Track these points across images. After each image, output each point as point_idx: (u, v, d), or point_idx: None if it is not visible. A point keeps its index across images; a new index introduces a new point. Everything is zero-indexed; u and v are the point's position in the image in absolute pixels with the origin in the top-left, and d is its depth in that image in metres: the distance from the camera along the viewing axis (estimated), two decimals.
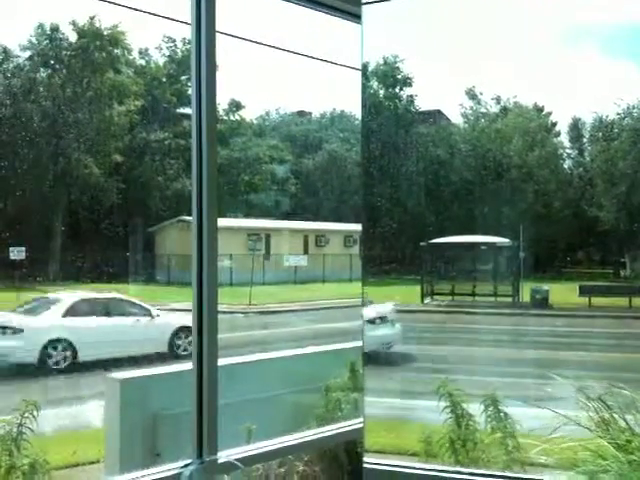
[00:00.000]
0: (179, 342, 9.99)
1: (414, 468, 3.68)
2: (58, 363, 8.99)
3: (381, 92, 16.37)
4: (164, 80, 15.42)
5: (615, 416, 3.81)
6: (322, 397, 4.86)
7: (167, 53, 15.66)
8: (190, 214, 3.37)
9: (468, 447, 4.62)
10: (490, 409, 4.66)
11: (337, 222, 17.46)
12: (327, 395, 4.87)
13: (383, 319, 11.10)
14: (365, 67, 5.00)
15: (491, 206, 15.18)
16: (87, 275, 13.06)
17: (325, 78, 14.12)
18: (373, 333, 10.20)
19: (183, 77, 15.38)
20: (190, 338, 3.35)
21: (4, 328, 9.05)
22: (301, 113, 19.96)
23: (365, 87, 8.53)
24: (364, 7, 3.86)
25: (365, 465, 3.66)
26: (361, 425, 4.04)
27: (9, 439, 3.86)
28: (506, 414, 4.62)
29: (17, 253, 10.49)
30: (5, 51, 12.28)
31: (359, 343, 4.71)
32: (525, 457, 4.20)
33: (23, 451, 3.85)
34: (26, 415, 3.95)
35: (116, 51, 13.79)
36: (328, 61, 10.23)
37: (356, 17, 3.89)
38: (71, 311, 9.89)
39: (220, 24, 3.41)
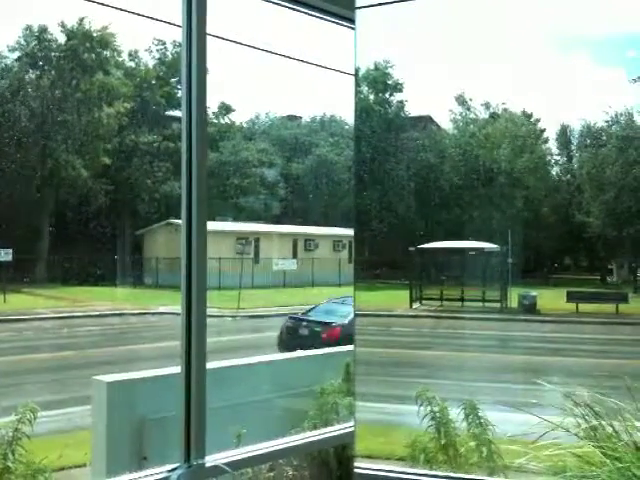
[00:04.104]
0: None
1: (406, 473, 3.67)
2: None
3: (371, 97, 16.40)
4: (154, 82, 15.37)
5: (603, 422, 3.82)
6: (312, 400, 4.85)
7: (157, 55, 15.63)
8: (178, 217, 3.36)
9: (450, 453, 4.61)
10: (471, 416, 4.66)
11: (326, 226, 17.46)
12: (319, 398, 4.85)
13: None
14: (357, 72, 5.00)
15: (480, 211, 15.23)
16: (74, 277, 13.00)
17: (315, 82, 14.14)
18: None
19: (173, 80, 15.34)
20: None
21: None
22: (291, 117, 19.96)
23: (357, 92, 8.55)
24: (358, 11, 3.86)
25: (356, 470, 3.64)
26: (352, 429, 4.03)
27: None
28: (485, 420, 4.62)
29: (4, 255, 10.43)
30: None
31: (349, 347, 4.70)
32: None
33: None
34: None
35: (105, 53, 13.74)
36: (319, 65, 10.23)
37: (349, 21, 3.88)
38: None
39: (211, 26, 3.40)
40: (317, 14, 3.88)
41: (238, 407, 4.40)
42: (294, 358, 5.69)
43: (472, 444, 4.51)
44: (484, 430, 4.55)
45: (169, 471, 3.17)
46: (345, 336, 10.02)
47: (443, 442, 4.58)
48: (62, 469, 5.37)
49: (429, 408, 4.65)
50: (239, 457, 3.53)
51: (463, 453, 4.56)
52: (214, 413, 3.27)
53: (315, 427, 4.44)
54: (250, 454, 3.61)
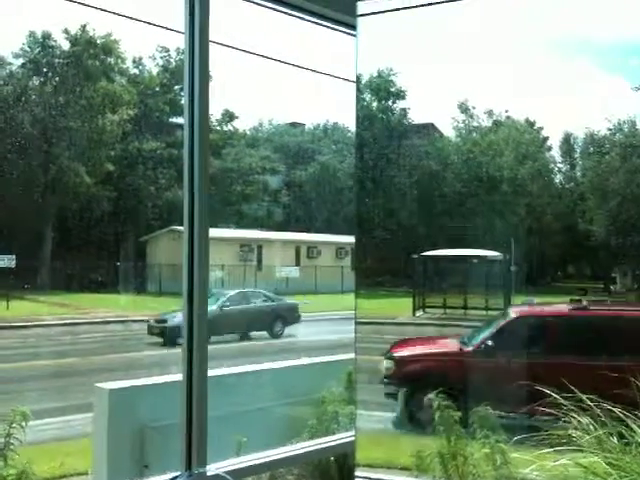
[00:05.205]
0: None
1: None
2: None
3: (374, 104, 16.42)
4: (157, 89, 15.40)
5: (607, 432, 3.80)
6: (313, 409, 4.83)
7: (161, 63, 15.66)
8: (182, 224, 3.35)
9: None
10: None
11: (329, 234, 17.44)
12: (320, 407, 4.83)
13: None
14: (359, 79, 5.00)
15: (483, 219, 15.21)
16: (77, 284, 13.00)
17: (319, 89, 14.16)
18: None
19: (176, 87, 15.36)
20: None
21: None
22: (294, 124, 19.97)
23: (358, 99, 8.56)
24: (359, 19, 3.86)
25: (357, 479, 3.62)
26: (353, 438, 4.01)
27: None
28: None
29: (7, 261, 10.42)
30: None
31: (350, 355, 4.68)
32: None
33: None
34: None
35: (109, 60, 13.78)
36: (322, 72, 10.26)
37: (352, 28, 3.89)
38: None
39: (214, 34, 3.40)
40: (320, 21, 3.88)
41: (237, 416, 4.39)
42: (294, 366, 5.67)
43: (484, 451, 4.50)
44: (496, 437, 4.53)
45: (170, 479, 3.16)
46: None
47: (452, 449, 4.55)
48: (64, 477, 5.35)
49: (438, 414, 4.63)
50: (240, 466, 3.51)
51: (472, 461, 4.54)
52: (211, 421, 3.26)
53: (314, 437, 4.42)
54: (251, 463, 3.59)
